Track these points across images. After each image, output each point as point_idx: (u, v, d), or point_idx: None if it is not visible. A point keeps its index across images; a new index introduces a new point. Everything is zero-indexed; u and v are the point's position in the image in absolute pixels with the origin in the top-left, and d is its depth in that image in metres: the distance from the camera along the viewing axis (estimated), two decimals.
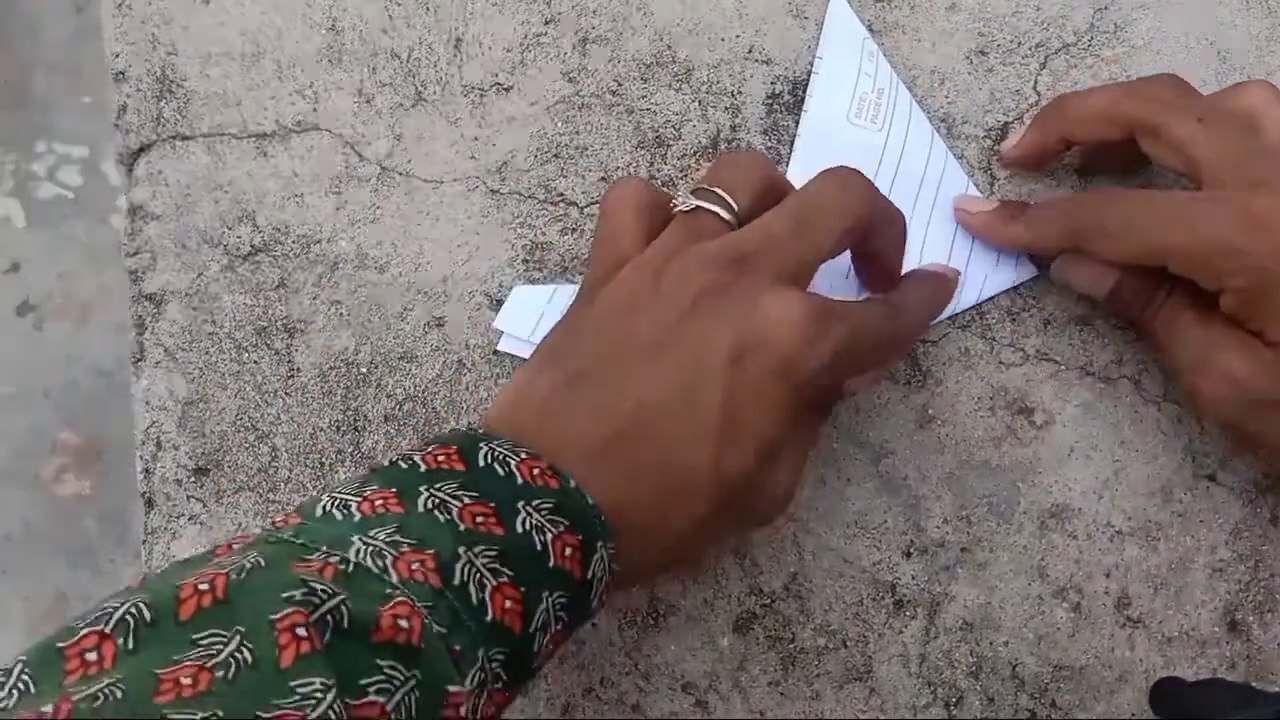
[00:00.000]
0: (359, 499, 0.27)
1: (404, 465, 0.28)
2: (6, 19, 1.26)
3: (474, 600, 0.26)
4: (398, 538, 0.26)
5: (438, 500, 0.27)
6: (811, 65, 0.40)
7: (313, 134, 0.41)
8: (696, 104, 0.40)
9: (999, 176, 0.40)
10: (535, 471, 0.28)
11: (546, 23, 0.41)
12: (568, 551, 0.28)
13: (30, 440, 1.18)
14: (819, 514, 0.38)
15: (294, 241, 0.40)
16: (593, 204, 0.40)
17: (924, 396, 0.39)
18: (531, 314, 0.39)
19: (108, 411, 1.18)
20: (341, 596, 0.23)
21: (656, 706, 0.38)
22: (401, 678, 0.23)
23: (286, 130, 0.41)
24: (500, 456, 0.28)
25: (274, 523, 0.27)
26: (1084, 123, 0.36)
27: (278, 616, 0.22)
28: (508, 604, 0.26)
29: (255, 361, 0.40)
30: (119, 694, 0.21)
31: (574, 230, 0.40)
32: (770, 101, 0.40)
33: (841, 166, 0.34)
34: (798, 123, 0.40)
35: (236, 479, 0.39)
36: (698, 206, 0.33)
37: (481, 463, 0.28)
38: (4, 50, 1.25)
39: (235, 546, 0.26)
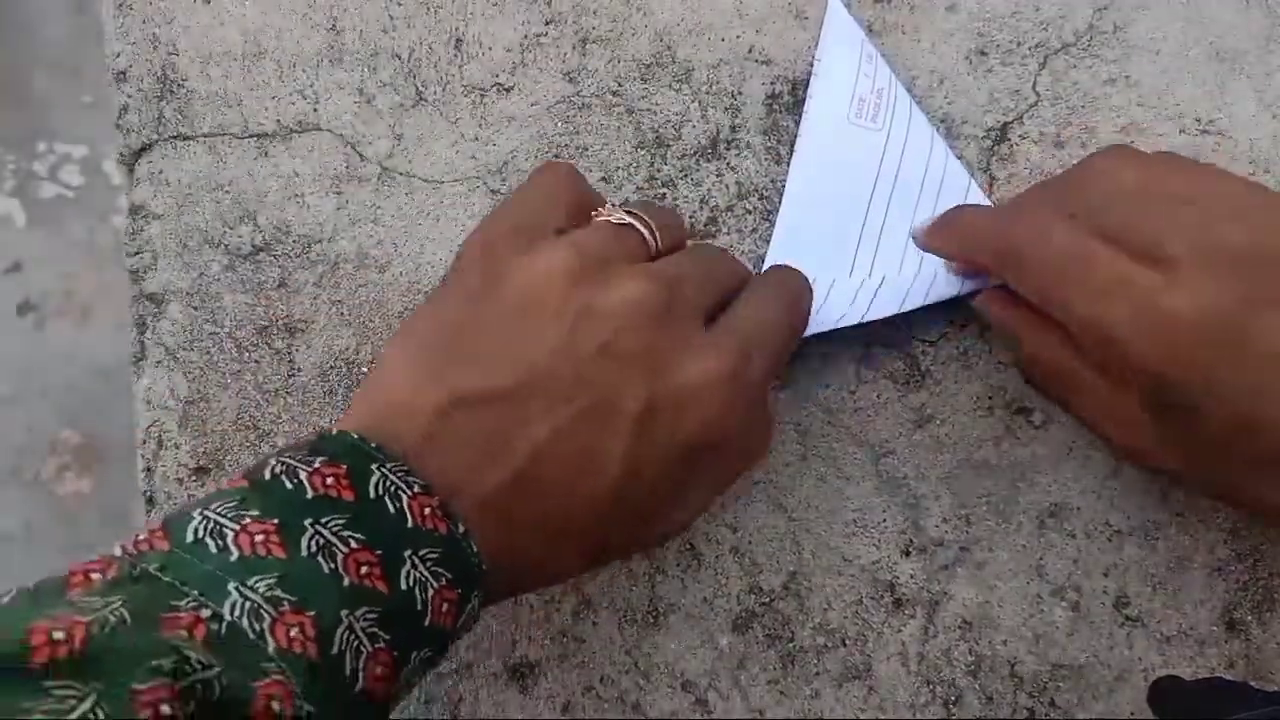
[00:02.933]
0: (236, 528, 0.24)
1: (288, 484, 0.25)
2: (6, 19, 1.26)
3: (348, 671, 0.24)
4: (279, 593, 0.24)
5: (323, 542, 0.25)
6: (811, 66, 0.40)
7: (313, 134, 0.41)
8: (696, 104, 0.40)
9: (998, 176, 0.40)
10: (426, 512, 0.26)
11: (547, 23, 0.41)
12: (445, 608, 0.26)
13: (31, 439, 1.18)
14: (818, 513, 0.38)
15: (295, 241, 0.40)
16: None
17: (923, 396, 0.39)
18: None
19: (108, 411, 1.19)
20: (216, 670, 0.22)
21: (656, 705, 0.38)
22: None
23: (287, 130, 0.41)
24: (392, 489, 0.26)
25: (137, 541, 0.25)
26: (972, 252, 0.35)
27: (142, 688, 0.20)
28: (379, 670, 0.25)
29: (256, 361, 0.40)
30: None
31: None
32: (770, 101, 0.40)
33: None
34: (798, 123, 0.40)
35: None
36: (629, 222, 0.32)
37: (372, 493, 0.26)
38: (4, 50, 1.25)
39: (94, 577, 0.23)
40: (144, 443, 0.40)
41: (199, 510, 0.25)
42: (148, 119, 0.41)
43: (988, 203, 0.39)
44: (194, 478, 0.39)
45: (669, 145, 0.40)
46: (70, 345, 1.21)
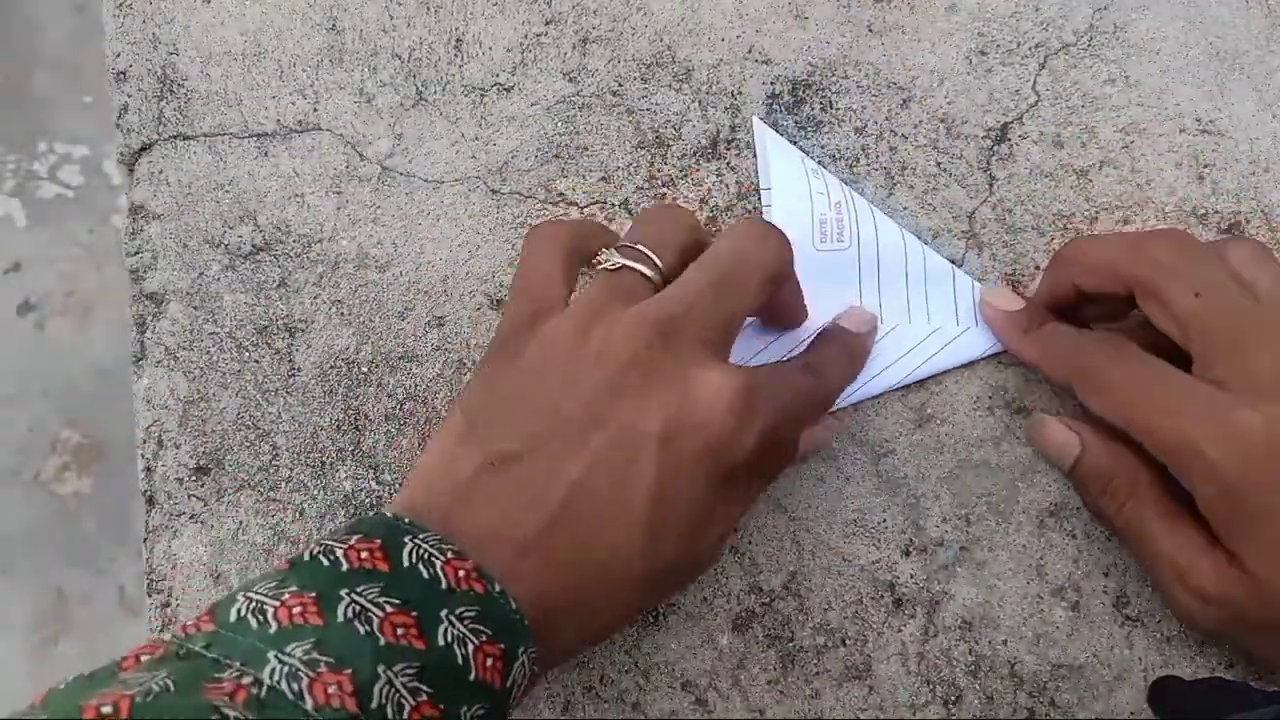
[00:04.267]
0: (276, 603, 0.26)
1: (325, 561, 0.27)
2: (6, 19, 1.26)
3: None
4: (315, 655, 0.25)
5: (359, 608, 0.26)
6: (760, 183, 0.39)
7: (314, 134, 0.41)
8: (696, 104, 0.40)
9: (998, 176, 0.40)
10: (460, 574, 0.27)
11: (547, 23, 0.41)
12: (489, 663, 0.27)
13: (31, 439, 1.18)
14: (818, 513, 0.38)
15: (295, 241, 0.40)
16: (594, 204, 0.40)
17: (923, 396, 0.39)
18: None
19: (108, 410, 1.19)
20: None
21: (656, 704, 0.38)
22: None
23: (287, 130, 0.41)
24: (425, 555, 0.27)
25: (184, 627, 0.26)
26: (1091, 272, 0.35)
27: None
28: None
29: (256, 360, 0.40)
30: None
31: None
32: (770, 101, 0.40)
33: (753, 218, 0.34)
34: (797, 125, 0.40)
35: (237, 477, 0.39)
36: (623, 265, 0.33)
37: (405, 562, 0.27)
38: (4, 50, 1.25)
39: (143, 659, 0.25)
40: (144, 442, 0.40)
41: (243, 593, 0.27)
42: (148, 119, 0.41)
43: (972, 281, 0.39)
44: (194, 477, 0.39)
45: (669, 145, 0.40)
46: (70, 345, 1.21)
